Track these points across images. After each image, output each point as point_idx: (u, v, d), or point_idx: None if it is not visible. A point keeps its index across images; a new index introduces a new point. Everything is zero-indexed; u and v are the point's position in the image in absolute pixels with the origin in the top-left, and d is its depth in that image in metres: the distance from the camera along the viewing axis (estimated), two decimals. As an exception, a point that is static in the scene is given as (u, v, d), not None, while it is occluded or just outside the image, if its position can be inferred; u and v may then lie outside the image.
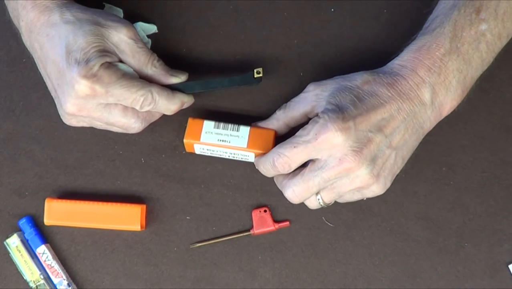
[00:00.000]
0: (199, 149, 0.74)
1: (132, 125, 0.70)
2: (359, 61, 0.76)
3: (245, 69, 0.74)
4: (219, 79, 0.72)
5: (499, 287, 0.73)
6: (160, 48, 0.77)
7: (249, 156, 0.73)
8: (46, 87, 0.76)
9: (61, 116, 0.70)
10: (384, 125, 0.65)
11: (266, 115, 0.74)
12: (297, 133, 0.67)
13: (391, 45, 0.72)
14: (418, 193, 0.75)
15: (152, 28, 0.78)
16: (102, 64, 0.66)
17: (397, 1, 0.78)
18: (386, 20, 0.78)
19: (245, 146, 0.72)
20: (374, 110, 0.65)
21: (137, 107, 0.68)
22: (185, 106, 0.72)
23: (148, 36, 0.78)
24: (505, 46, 0.69)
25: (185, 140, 0.73)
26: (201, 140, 0.72)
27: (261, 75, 0.70)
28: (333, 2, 0.78)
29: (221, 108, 0.77)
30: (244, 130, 0.72)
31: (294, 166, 0.67)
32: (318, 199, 0.69)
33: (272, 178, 0.73)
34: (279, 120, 0.72)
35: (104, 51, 0.67)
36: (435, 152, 0.76)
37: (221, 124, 0.73)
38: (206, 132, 0.72)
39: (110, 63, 0.67)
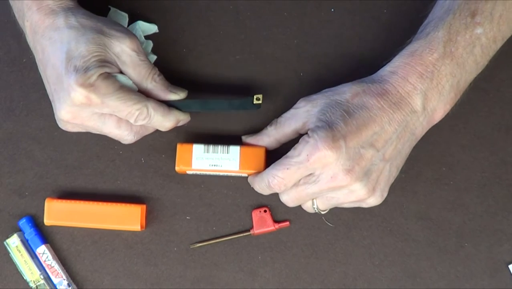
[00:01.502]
0: (192, 173, 0.74)
1: (125, 137, 0.70)
2: (359, 62, 0.76)
3: (246, 69, 0.74)
4: (218, 101, 0.71)
5: (499, 287, 0.74)
6: (160, 48, 0.77)
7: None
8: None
9: (56, 121, 0.70)
10: (376, 139, 0.65)
11: (265, 115, 0.74)
12: (288, 154, 0.66)
13: (391, 45, 0.72)
14: (418, 193, 0.75)
15: (153, 28, 0.78)
16: (100, 74, 0.65)
17: (397, 1, 0.78)
18: (386, 20, 0.77)
19: (237, 168, 0.72)
20: (364, 126, 0.65)
21: (131, 121, 0.68)
22: (180, 124, 0.71)
23: (149, 36, 0.78)
24: (505, 47, 0.69)
25: (177, 168, 0.73)
26: (193, 167, 0.73)
27: (260, 102, 0.70)
28: (333, 2, 0.78)
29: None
30: (234, 151, 0.72)
31: (290, 185, 0.67)
32: (314, 207, 0.69)
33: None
34: (270, 136, 0.72)
35: (104, 61, 0.66)
36: (435, 152, 0.76)
37: (211, 148, 0.73)
38: (196, 159, 0.73)
39: (109, 74, 0.66)
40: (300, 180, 0.67)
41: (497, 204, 0.75)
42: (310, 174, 0.66)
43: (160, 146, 0.76)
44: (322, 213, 0.70)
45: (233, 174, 0.74)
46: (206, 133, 0.76)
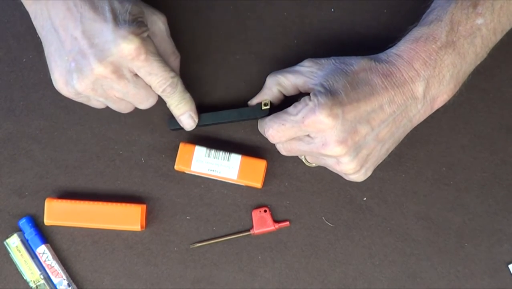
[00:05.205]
0: (190, 173, 0.74)
1: (150, 98, 0.69)
2: (359, 61, 0.76)
3: (246, 69, 0.73)
4: (228, 112, 0.72)
5: (499, 287, 0.74)
6: (160, 48, 0.77)
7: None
8: (46, 87, 0.76)
9: (72, 80, 0.66)
10: (373, 117, 0.65)
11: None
12: (288, 110, 0.67)
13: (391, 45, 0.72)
14: (418, 193, 0.75)
15: None
16: (149, 35, 0.67)
17: (397, 1, 0.78)
18: (386, 20, 0.78)
19: (235, 178, 0.73)
20: (364, 101, 0.65)
21: (159, 89, 0.68)
22: (183, 120, 0.72)
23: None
24: (506, 46, 0.69)
25: (176, 167, 0.73)
26: (192, 169, 0.73)
27: (268, 107, 0.71)
28: (333, 2, 0.78)
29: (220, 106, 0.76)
30: (235, 159, 0.73)
31: (284, 139, 0.68)
32: (303, 160, 0.73)
33: (273, 179, 0.74)
34: (271, 90, 0.72)
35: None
36: (435, 152, 0.76)
37: (212, 152, 0.73)
38: (197, 161, 0.73)
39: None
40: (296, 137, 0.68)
41: (497, 204, 0.75)
42: (307, 135, 0.67)
43: (160, 146, 0.76)
44: (312, 166, 0.73)
45: (229, 182, 0.74)
46: (207, 136, 0.76)
